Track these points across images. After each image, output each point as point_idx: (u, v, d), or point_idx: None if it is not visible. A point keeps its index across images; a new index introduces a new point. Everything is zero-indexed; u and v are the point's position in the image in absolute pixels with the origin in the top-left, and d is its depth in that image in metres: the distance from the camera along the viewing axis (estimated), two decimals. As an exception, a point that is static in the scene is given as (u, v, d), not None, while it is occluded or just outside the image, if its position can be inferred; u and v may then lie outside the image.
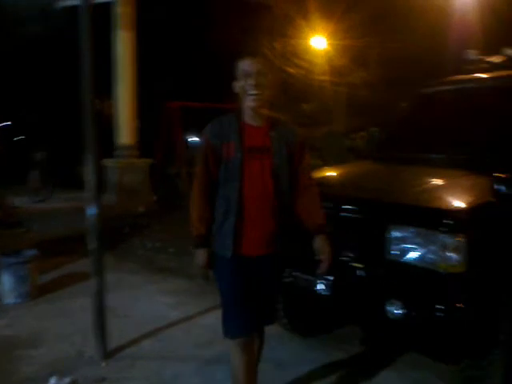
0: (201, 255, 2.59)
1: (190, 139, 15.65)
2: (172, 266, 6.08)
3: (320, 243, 2.61)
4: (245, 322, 2.58)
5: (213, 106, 13.47)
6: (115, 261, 6.04)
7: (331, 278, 2.95)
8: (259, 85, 2.46)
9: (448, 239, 2.57)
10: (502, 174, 2.69)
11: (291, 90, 18.28)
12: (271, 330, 3.92)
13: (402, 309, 2.64)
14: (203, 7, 16.17)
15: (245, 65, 2.48)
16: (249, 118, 2.55)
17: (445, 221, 2.59)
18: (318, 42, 18.66)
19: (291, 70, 17.44)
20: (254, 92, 2.46)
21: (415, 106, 4.42)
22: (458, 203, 2.74)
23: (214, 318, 4.28)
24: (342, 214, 3.08)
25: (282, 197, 2.55)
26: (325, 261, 2.60)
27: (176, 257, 6.53)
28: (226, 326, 2.64)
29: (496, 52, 4.48)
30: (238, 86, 2.52)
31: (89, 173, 3.56)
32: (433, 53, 11.79)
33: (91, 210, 3.56)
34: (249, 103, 2.50)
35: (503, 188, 2.63)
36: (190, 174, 11.45)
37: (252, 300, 2.59)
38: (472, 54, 4.57)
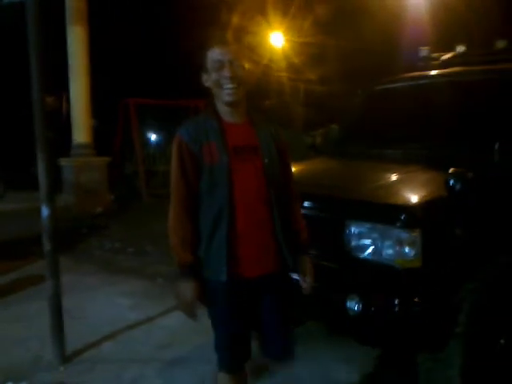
0: (188, 288, 2.12)
1: (147, 136, 15.46)
2: (131, 267, 5.99)
3: (306, 265, 2.35)
4: (244, 355, 2.31)
5: (171, 104, 13.35)
6: (72, 262, 5.92)
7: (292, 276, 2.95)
8: (235, 76, 2.13)
9: (403, 234, 2.61)
10: (456, 168, 2.75)
11: (250, 86, 18.26)
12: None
13: (360, 304, 2.67)
14: (161, 2, 15.98)
15: (216, 54, 2.14)
16: (226, 115, 2.21)
17: (400, 216, 2.64)
18: (276, 38, 18.73)
19: (251, 66, 17.42)
20: (230, 85, 2.13)
21: (370, 101, 4.47)
22: (413, 198, 2.80)
23: (175, 319, 4.27)
24: (301, 210, 3.08)
25: (279, 202, 2.22)
26: (309, 284, 2.36)
27: (135, 257, 6.44)
28: (222, 360, 2.32)
29: (448, 49, 4.59)
30: (209, 79, 2.18)
31: (41, 172, 3.47)
32: (388, 49, 12.02)
33: (44, 211, 3.47)
34: (225, 98, 2.16)
35: (456, 183, 2.69)
36: (149, 173, 11.34)
37: (251, 330, 2.30)
38: (425, 51, 4.68)
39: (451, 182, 2.70)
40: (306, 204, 3.06)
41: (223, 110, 2.21)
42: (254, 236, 2.16)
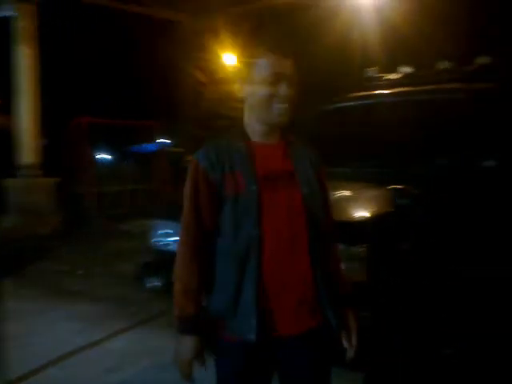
0: (188, 346, 1.71)
1: (99, 157, 15.19)
2: (80, 290, 5.80)
3: (351, 321, 1.88)
4: None
5: (125, 124, 13.21)
6: (18, 286, 5.68)
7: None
8: (291, 95, 1.76)
9: (349, 249, 2.64)
10: (400, 185, 2.82)
11: (205, 105, 18.33)
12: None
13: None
14: (113, 22, 15.87)
15: (275, 65, 1.73)
16: (259, 135, 1.80)
17: (346, 231, 2.65)
18: (229, 58, 18.89)
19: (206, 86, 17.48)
20: (285, 105, 1.74)
21: (319, 120, 4.55)
22: (359, 214, 2.84)
23: (124, 342, 4.16)
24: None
25: (319, 240, 1.78)
26: (355, 344, 1.88)
27: (84, 280, 6.25)
28: None
29: (394, 69, 4.74)
30: (251, 91, 1.77)
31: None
32: (337, 68, 12.33)
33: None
34: (275, 119, 1.76)
35: (401, 199, 2.75)
36: (100, 194, 11.11)
37: None
38: (372, 72, 4.81)
39: (396, 198, 2.76)
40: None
41: (258, 130, 1.80)
42: (290, 285, 1.72)
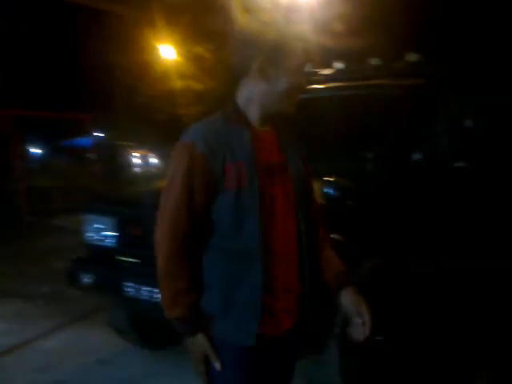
0: (193, 343, 1.57)
1: (29, 150, 14.63)
2: (8, 288, 5.59)
3: (354, 298, 1.71)
4: None
5: (56, 116, 12.77)
6: None
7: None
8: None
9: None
10: (330, 177, 2.89)
11: (142, 99, 18.01)
12: (117, 348, 3.83)
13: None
14: (46, 11, 15.30)
15: (303, 54, 1.58)
16: (256, 122, 1.61)
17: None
18: (167, 50, 18.62)
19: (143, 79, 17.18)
20: (298, 97, 1.62)
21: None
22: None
23: (58, 340, 4.06)
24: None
25: (311, 235, 1.70)
26: (367, 323, 1.71)
27: (13, 278, 6.02)
28: None
29: (328, 65, 4.84)
30: (283, 78, 1.56)
31: None
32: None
33: None
34: (285, 108, 1.60)
35: (329, 190, 2.83)
36: (30, 189, 10.69)
37: None
38: (306, 67, 4.88)
39: (326, 189, 2.83)
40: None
41: (257, 116, 1.61)
42: (288, 284, 1.62)
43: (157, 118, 20.69)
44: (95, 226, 3.35)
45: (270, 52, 1.54)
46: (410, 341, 3.27)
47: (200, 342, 1.56)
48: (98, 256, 3.38)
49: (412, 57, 4.57)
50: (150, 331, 3.77)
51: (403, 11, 10.17)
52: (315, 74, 4.71)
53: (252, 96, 1.60)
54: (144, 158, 17.80)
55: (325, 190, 2.84)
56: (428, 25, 10.35)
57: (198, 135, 1.55)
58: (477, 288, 3.57)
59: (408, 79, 4.12)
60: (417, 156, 3.56)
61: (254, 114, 1.60)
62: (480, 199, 3.79)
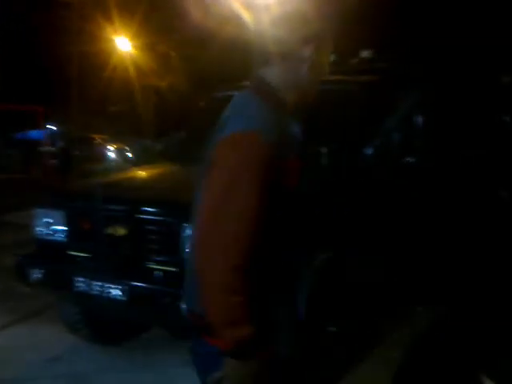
0: (253, 368, 1.34)
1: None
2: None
3: None
4: None
5: (6, 108, 12.36)
6: None
7: (127, 282, 2.90)
8: None
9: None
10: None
11: (96, 91, 17.67)
12: (70, 344, 3.76)
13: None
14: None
15: (330, 46, 1.54)
16: (289, 107, 1.53)
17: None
18: (123, 43, 18.32)
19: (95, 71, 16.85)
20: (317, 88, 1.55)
21: (211, 108, 4.57)
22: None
23: (7, 338, 3.96)
24: (139, 215, 3.04)
25: None
26: None
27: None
28: None
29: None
30: (322, 59, 1.50)
31: None
32: (232, 58, 12.43)
33: None
34: (309, 98, 1.53)
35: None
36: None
37: None
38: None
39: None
40: (145, 209, 3.04)
41: (293, 103, 1.52)
42: None
43: (112, 111, 20.34)
44: (45, 220, 3.28)
45: (321, 38, 1.49)
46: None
47: (253, 367, 1.34)
48: (48, 251, 3.31)
49: (366, 54, 4.66)
50: (101, 326, 3.72)
51: (360, 8, 10.34)
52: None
53: (291, 80, 1.48)
54: (101, 150, 17.50)
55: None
56: (383, 22, 10.54)
57: (260, 122, 1.36)
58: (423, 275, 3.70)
59: (362, 76, 4.20)
60: (369, 151, 3.63)
61: (289, 99, 1.48)
62: (429, 194, 3.91)
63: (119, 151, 17.01)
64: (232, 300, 1.27)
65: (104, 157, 16.06)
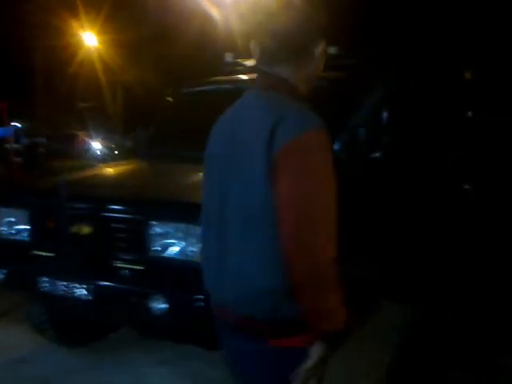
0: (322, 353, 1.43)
1: None
2: None
3: None
4: None
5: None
6: None
7: (93, 281, 2.85)
8: None
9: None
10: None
11: (63, 87, 17.37)
12: (36, 345, 3.69)
13: (165, 303, 2.66)
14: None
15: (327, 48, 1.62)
16: None
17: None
18: (89, 38, 18.03)
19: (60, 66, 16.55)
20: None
21: (179, 104, 4.53)
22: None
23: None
24: (105, 213, 2.99)
25: None
26: None
27: None
28: None
29: (250, 56, 4.85)
30: (321, 60, 1.56)
31: None
32: (200, 54, 12.38)
33: None
34: (309, 91, 1.59)
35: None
36: None
37: None
38: (229, 57, 4.88)
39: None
40: (111, 207, 3.00)
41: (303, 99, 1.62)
42: None
43: (81, 107, 20.01)
44: (7, 219, 3.20)
45: (326, 35, 1.56)
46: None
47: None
48: (11, 251, 3.23)
49: (333, 50, 4.69)
50: (68, 327, 3.65)
51: (326, 5, 10.38)
52: (239, 64, 4.72)
53: (303, 76, 1.53)
54: (83, 146, 17.17)
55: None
56: (350, 19, 10.64)
57: (316, 118, 1.42)
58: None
59: (330, 72, 4.22)
60: (337, 147, 3.65)
61: (302, 95, 1.55)
62: (396, 189, 3.96)
63: (104, 148, 16.76)
64: (332, 293, 1.35)
65: (86, 154, 15.82)
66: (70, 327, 3.66)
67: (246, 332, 1.46)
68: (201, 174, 3.23)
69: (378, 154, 3.92)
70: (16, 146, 12.53)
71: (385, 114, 4.17)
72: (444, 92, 5.00)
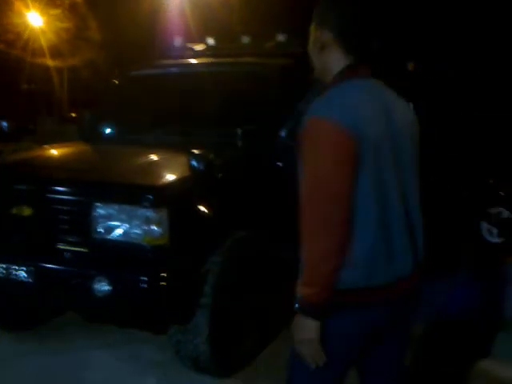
0: (313, 326, 1.52)
1: None
2: None
3: None
4: None
5: None
6: None
7: (34, 263, 2.81)
8: None
9: (150, 214, 2.70)
10: (199, 150, 2.92)
11: (8, 70, 16.74)
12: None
13: (109, 285, 2.67)
14: None
15: None
16: None
17: (146, 196, 2.71)
18: (34, 17, 17.38)
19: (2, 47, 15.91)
20: None
21: (125, 87, 4.48)
22: (159, 179, 2.91)
23: None
24: (48, 195, 2.95)
25: None
26: None
27: None
28: None
29: (200, 40, 4.84)
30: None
31: None
32: (148, 36, 12.19)
33: None
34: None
35: (198, 163, 2.86)
36: None
37: None
38: (178, 41, 4.85)
39: (193, 162, 2.86)
40: (54, 188, 2.95)
41: None
42: None
43: (25, 88, 19.31)
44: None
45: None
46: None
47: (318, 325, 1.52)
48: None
49: (282, 38, 4.74)
50: (10, 312, 3.57)
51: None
52: (188, 48, 4.70)
53: (329, 67, 1.65)
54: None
55: (193, 162, 2.87)
56: (299, 7, 10.71)
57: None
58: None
59: (278, 59, 4.27)
60: (283, 133, 3.70)
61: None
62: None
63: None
64: (326, 262, 1.49)
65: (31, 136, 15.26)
66: (13, 311, 3.59)
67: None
68: (146, 156, 3.26)
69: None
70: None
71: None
72: (388, 81, 5.13)
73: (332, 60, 1.63)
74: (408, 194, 1.61)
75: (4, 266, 2.83)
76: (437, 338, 3.56)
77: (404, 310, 1.67)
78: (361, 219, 1.50)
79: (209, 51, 4.59)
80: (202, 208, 2.94)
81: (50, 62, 17.99)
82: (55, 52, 17.72)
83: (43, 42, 17.63)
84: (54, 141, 4.15)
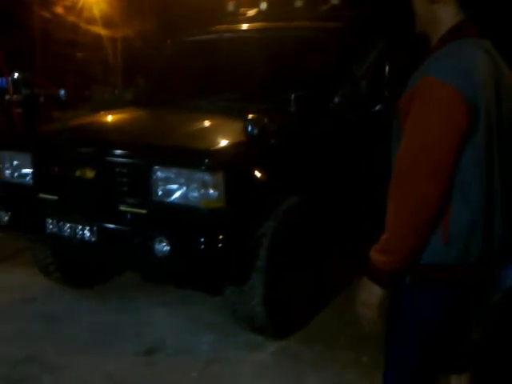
0: (377, 294, 1.51)
1: None
2: None
3: None
4: None
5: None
6: None
7: (97, 223, 2.93)
8: None
9: (207, 177, 2.75)
10: (254, 115, 2.94)
11: (62, 39, 17.09)
12: (43, 287, 3.81)
13: (169, 245, 2.75)
14: None
15: None
16: None
17: (203, 160, 2.76)
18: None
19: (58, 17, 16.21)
20: None
21: (179, 53, 4.51)
22: (216, 143, 2.95)
23: None
24: (109, 158, 3.04)
25: None
26: None
27: None
28: None
29: (253, 5, 4.80)
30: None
31: None
32: (202, 4, 12.10)
33: None
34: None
35: (253, 128, 2.88)
36: None
37: None
38: (231, 6, 4.82)
39: (249, 127, 2.88)
40: (115, 152, 3.04)
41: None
42: None
43: (79, 56, 19.70)
44: (12, 163, 3.25)
45: None
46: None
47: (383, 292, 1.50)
48: (16, 194, 3.30)
49: (336, 0, 4.63)
50: (73, 269, 3.76)
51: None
52: (240, 14, 4.67)
53: (440, 20, 1.55)
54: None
55: (247, 127, 2.89)
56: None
57: None
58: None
59: (331, 22, 4.19)
60: (338, 99, 3.66)
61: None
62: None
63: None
64: (412, 233, 1.45)
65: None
66: (76, 269, 3.77)
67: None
68: (201, 121, 3.31)
69: (380, 107, 3.92)
70: (16, 96, 12.41)
71: (386, 68, 4.15)
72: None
73: (445, 13, 1.52)
74: (509, 170, 1.52)
75: (69, 225, 2.97)
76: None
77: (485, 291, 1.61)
78: (461, 193, 1.43)
79: (262, 16, 4.55)
80: (256, 172, 2.97)
81: (103, 32, 18.23)
82: (108, 22, 17.93)
83: (96, 11, 17.86)
84: (110, 108, 4.24)
